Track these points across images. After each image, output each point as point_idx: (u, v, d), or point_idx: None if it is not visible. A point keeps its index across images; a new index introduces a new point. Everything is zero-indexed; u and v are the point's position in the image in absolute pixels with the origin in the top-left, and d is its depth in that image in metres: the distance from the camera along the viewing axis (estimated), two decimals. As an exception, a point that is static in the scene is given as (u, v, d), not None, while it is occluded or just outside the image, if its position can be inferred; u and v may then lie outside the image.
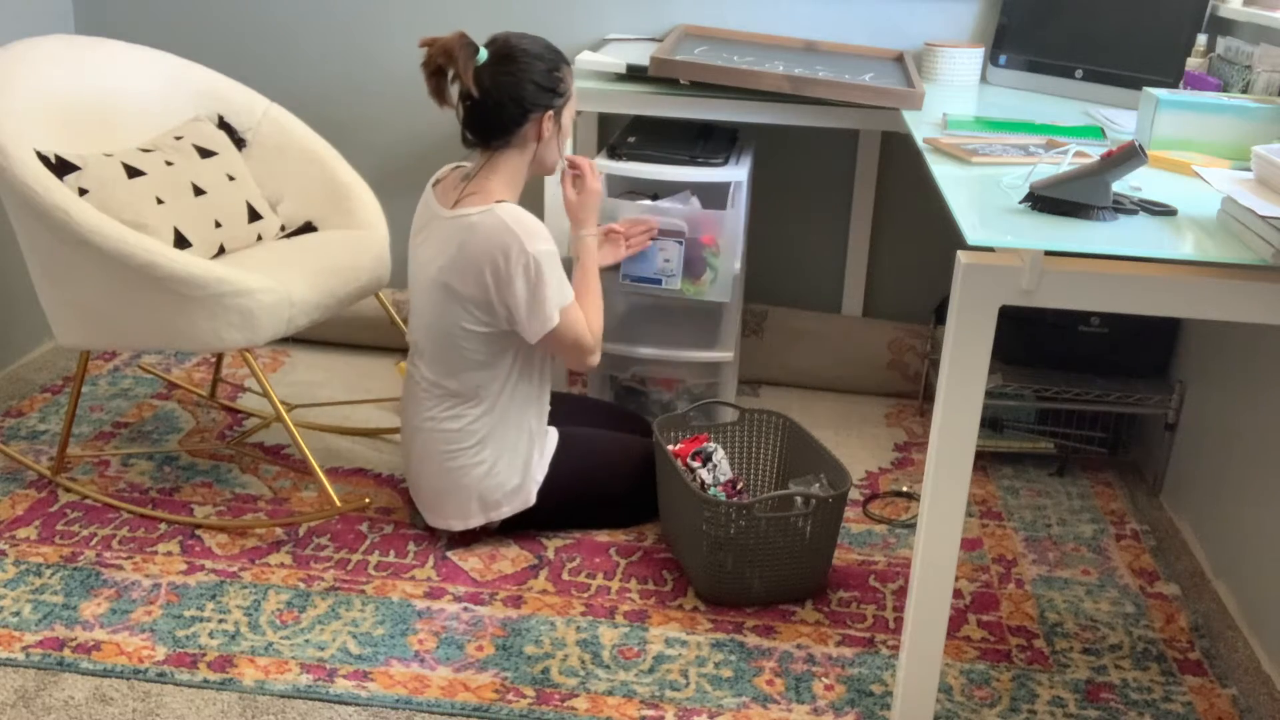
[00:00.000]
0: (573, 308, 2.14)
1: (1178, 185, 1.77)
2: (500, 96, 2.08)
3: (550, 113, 2.13)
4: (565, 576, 2.21)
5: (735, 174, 2.56)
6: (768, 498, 2.12)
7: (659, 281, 2.53)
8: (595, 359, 2.22)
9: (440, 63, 2.06)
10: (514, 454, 2.23)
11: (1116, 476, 2.70)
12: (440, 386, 2.19)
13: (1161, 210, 1.61)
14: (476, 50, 2.07)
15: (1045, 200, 1.58)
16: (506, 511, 2.25)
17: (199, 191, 2.45)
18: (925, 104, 2.42)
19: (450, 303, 2.12)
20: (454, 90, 2.10)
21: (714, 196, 2.64)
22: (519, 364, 2.18)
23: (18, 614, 2.04)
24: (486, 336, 2.13)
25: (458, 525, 2.26)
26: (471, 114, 2.12)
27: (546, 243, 2.07)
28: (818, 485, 2.22)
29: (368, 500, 2.42)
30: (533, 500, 2.26)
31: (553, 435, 2.31)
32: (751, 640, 2.05)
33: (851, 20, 2.95)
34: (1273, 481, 2.08)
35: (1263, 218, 1.44)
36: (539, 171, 2.22)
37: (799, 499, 2.13)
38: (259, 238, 2.57)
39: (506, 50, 2.09)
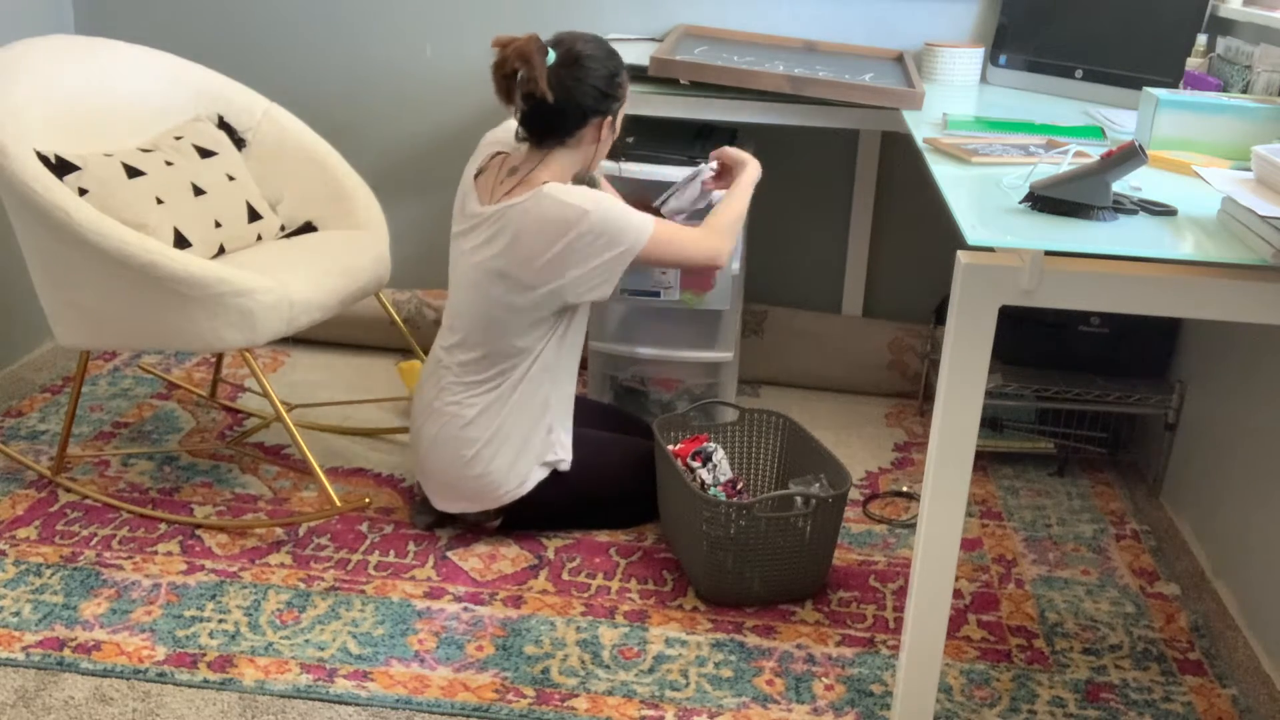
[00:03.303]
0: (661, 226, 2.13)
1: (1178, 185, 1.77)
2: (564, 100, 2.07)
3: (609, 118, 2.14)
4: (565, 576, 2.21)
5: (735, 174, 2.56)
6: (768, 498, 2.12)
7: (657, 294, 2.54)
8: (717, 255, 2.19)
9: (516, 66, 2.04)
10: (529, 441, 2.22)
11: (1116, 476, 2.70)
12: (469, 370, 2.19)
13: (1161, 210, 1.61)
14: (547, 52, 2.07)
15: (1045, 200, 1.58)
16: (521, 491, 2.25)
17: (199, 191, 2.45)
18: (925, 104, 2.42)
19: (499, 285, 2.11)
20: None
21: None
22: (551, 347, 2.19)
23: (18, 614, 2.04)
24: (532, 318, 2.13)
25: (470, 508, 2.27)
26: (533, 114, 2.10)
27: (597, 200, 2.08)
28: (818, 485, 2.22)
29: (368, 500, 2.42)
30: (568, 464, 2.27)
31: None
32: (751, 640, 2.05)
33: (851, 20, 2.95)
34: (1273, 481, 2.08)
35: (1263, 218, 1.44)
36: (585, 169, 2.23)
37: (799, 499, 2.13)
38: (259, 238, 2.57)
39: (573, 55, 2.08)
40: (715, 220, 2.24)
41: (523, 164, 2.15)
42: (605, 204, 2.08)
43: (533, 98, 2.05)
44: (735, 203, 2.28)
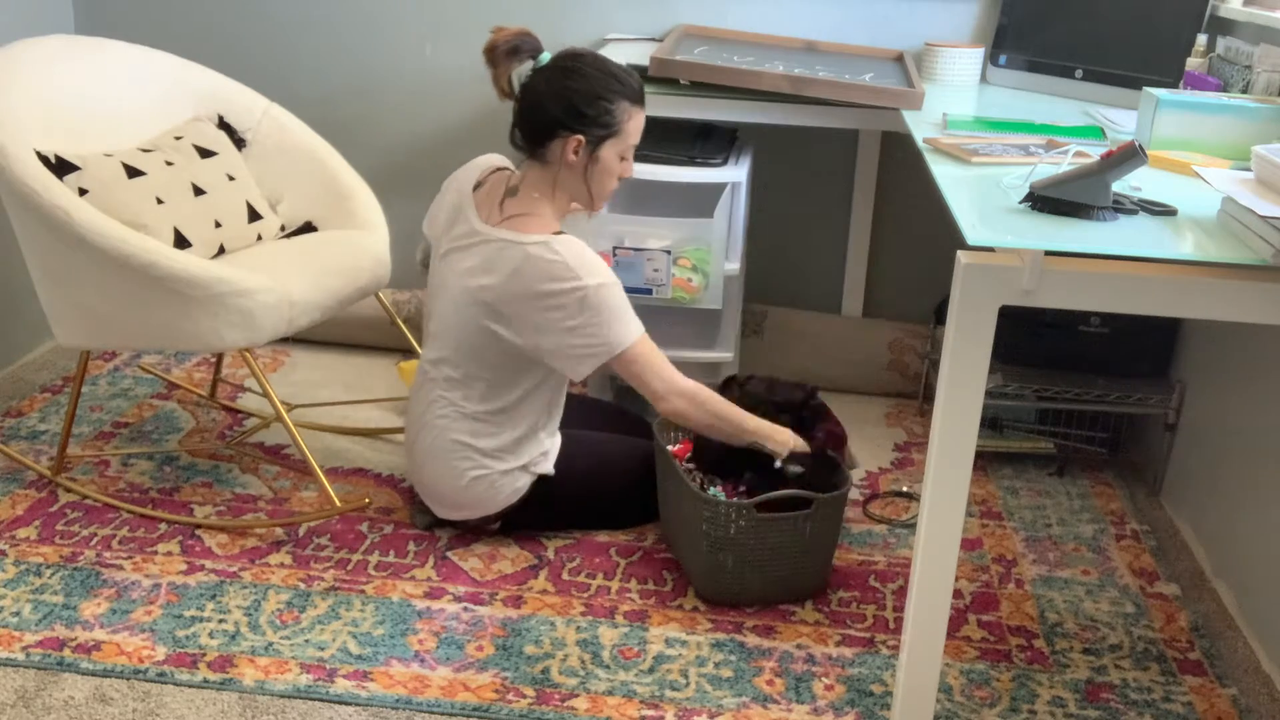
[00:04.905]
0: (643, 341, 2.08)
1: (1178, 185, 1.77)
2: (536, 101, 2.09)
3: (581, 138, 2.08)
4: (565, 576, 2.21)
5: (734, 174, 2.56)
6: (768, 498, 2.12)
7: (649, 291, 2.54)
8: (667, 404, 2.11)
9: (488, 53, 2.10)
10: (521, 453, 2.22)
11: (1116, 476, 2.70)
12: (454, 387, 2.18)
13: (1161, 210, 1.61)
14: (535, 52, 2.10)
15: (1045, 200, 1.58)
16: (515, 497, 2.24)
17: (199, 191, 2.45)
18: (925, 104, 2.42)
19: (488, 319, 2.10)
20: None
21: (710, 197, 2.64)
22: (545, 388, 2.18)
23: (18, 614, 2.04)
24: (516, 361, 2.13)
25: (469, 516, 2.27)
26: (516, 112, 2.13)
27: (607, 276, 2.05)
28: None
29: (368, 500, 2.42)
30: (551, 471, 2.26)
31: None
32: (751, 640, 2.05)
33: (851, 20, 2.95)
34: (1273, 481, 2.08)
35: (1263, 218, 1.44)
36: (577, 199, 2.15)
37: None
38: (259, 238, 2.57)
39: (564, 62, 2.09)
40: (712, 396, 2.13)
41: (521, 184, 2.14)
42: (609, 288, 2.04)
43: (514, 93, 2.12)
44: (746, 421, 2.15)
